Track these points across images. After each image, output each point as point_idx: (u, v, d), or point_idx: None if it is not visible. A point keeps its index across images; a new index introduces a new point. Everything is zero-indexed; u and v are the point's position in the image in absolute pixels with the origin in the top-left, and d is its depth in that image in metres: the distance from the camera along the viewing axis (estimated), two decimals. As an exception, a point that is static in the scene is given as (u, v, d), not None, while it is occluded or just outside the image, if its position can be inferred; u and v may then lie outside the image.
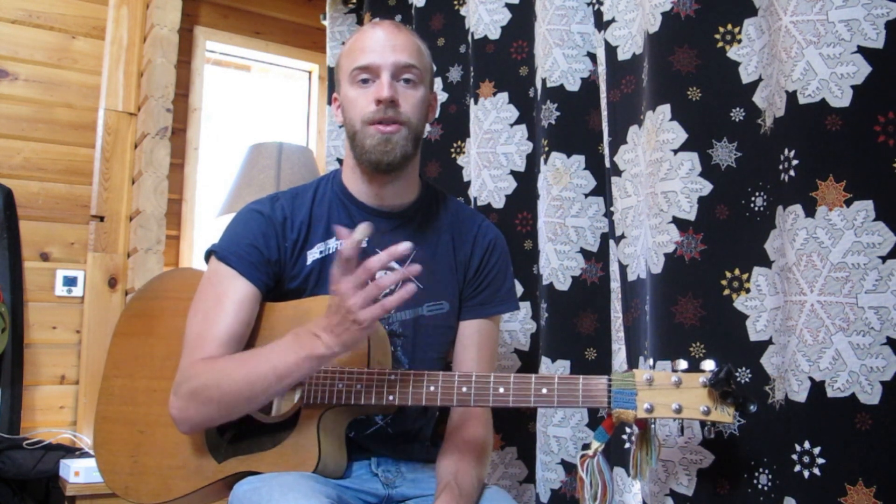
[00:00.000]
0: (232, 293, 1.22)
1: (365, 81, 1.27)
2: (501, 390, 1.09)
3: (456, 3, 1.94)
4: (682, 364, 1.03)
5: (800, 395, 1.02)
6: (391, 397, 1.13)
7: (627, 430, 1.36)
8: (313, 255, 1.29)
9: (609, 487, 1.07)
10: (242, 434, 1.19)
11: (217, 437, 1.21)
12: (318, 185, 1.36)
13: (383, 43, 1.27)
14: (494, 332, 1.39)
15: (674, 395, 1.02)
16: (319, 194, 1.34)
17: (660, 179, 1.23)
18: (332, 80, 2.33)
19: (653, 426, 1.07)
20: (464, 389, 1.10)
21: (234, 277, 1.23)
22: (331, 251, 1.29)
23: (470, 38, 1.78)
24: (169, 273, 1.39)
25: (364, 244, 1.29)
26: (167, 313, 1.32)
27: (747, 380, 1.13)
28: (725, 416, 1.01)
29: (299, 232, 1.29)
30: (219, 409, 1.15)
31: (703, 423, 1.04)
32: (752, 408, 1.00)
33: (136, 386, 1.30)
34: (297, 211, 1.31)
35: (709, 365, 1.02)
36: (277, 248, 1.27)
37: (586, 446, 1.10)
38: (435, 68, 1.64)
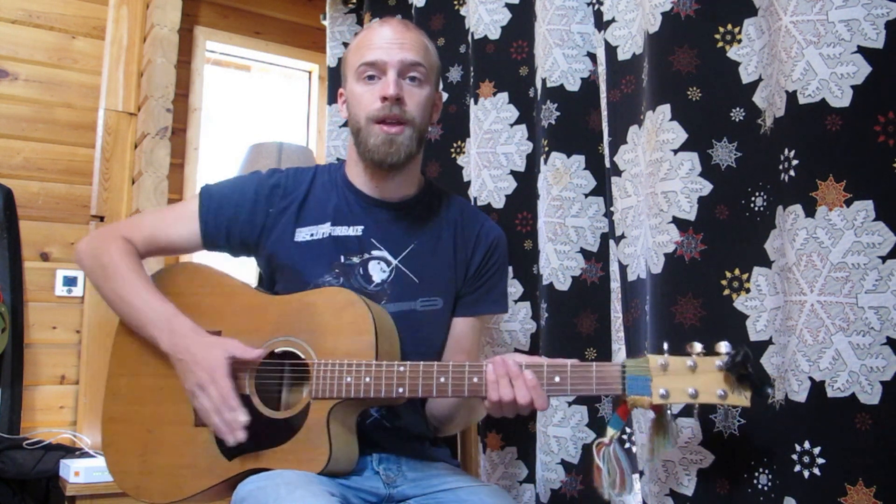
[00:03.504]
0: (183, 224, 1.34)
1: (371, 78, 1.29)
2: None
3: (456, 3, 1.94)
4: (698, 347, 1.02)
5: (800, 395, 1.02)
6: (401, 389, 1.12)
7: (628, 430, 1.37)
8: (302, 234, 1.31)
9: (627, 474, 1.06)
10: (252, 431, 1.19)
11: None
12: (319, 170, 1.40)
13: (391, 40, 1.29)
14: (482, 330, 1.43)
15: (689, 380, 1.01)
16: (319, 178, 1.37)
17: (660, 179, 1.23)
18: (332, 81, 2.33)
19: (668, 411, 1.06)
20: (475, 380, 1.09)
21: (193, 212, 1.33)
22: (322, 235, 1.31)
23: (470, 38, 1.78)
24: (172, 268, 1.37)
25: (359, 232, 1.30)
26: None
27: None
28: (742, 399, 0.99)
29: (290, 204, 1.33)
30: (96, 285, 1.32)
31: (720, 407, 1.02)
32: (769, 390, 0.99)
33: (142, 384, 1.29)
34: (296, 185, 1.35)
35: (724, 348, 1.01)
36: (262, 213, 1.32)
37: (601, 435, 1.09)
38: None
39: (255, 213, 1.32)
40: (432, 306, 1.32)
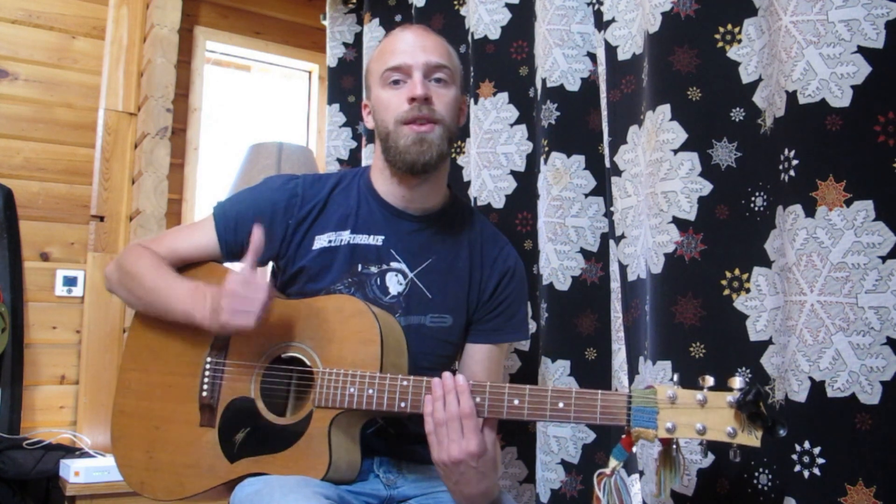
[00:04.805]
0: (199, 239, 1.34)
1: (396, 83, 1.28)
2: (516, 402, 1.05)
3: (456, 3, 1.94)
4: (710, 381, 0.98)
5: (800, 395, 1.02)
6: (403, 404, 1.11)
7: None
8: (321, 241, 1.30)
9: None
10: (255, 435, 1.19)
11: (229, 437, 1.21)
12: (344, 176, 1.38)
13: (413, 44, 1.29)
14: (502, 357, 1.40)
15: (698, 415, 0.96)
16: (343, 184, 1.36)
17: (660, 179, 1.23)
18: (332, 80, 2.33)
19: (674, 445, 1.01)
20: (477, 399, 1.06)
21: (211, 231, 1.33)
22: (343, 242, 1.29)
23: (470, 38, 1.78)
24: (189, 266, 1.37)
25: (379, 242, 1.30)
26: None
27: (748, 379, 1.13)
28: (753, 439, 0.94)
29: (309, 212, 1.31)
30: (127, 296, 1.34)
31: (728, 446, 0.96)
32: (782, 432, 0.93)
33: (152, 380, 1.30)
34: (315, 193, 1.33)
35: (737, 383, 0.96)
36: (282, 225, 1.31)
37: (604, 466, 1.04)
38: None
39: (274, 226, 1.30)
40: (441, 323, 1.31)
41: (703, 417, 0.96)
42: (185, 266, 1.35)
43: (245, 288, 1.14)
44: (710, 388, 0.97)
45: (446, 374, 1.08)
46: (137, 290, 1.30)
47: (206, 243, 1.33)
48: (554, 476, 1.51)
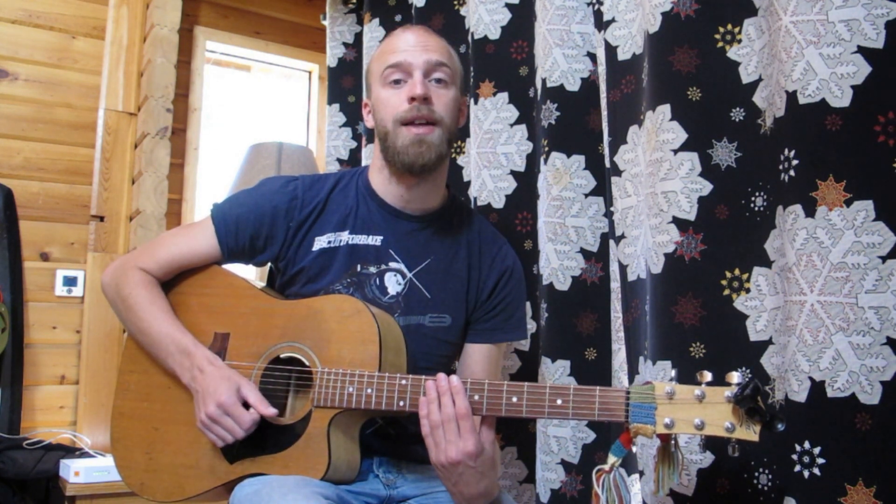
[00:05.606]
0: (198, 243, 1.33)
1: (397, 82, 1.28)
2: (514, 400, 1.05)
3: (456, 3, 1.94)
4: (707, 376, 0.98)
5: (800, 395, 1.02)
6: (401, 403, 1.11)
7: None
8: (321, 242, 1.30)
9: (626, 503, 1.02)
10: (255, 435, 1.19)
11: None
12: (342, 177, 1.38)
13: (414, 43, 1.29)
14: (500, 357, 1.40)
15: (696, 411, 0.97)
16: (342, 184, 1.36)
17: (660, 179, 1.23)
18: (332, 80, 2.33)
19: (672, 441, 1.02)
20: (475, 398, 1.07)
21: (211, 236, 1.32)
22: (342, 243, 1.29)
23: (470, 38, 1.78)
24: (191, 271, 1.37)
25: (378, 242, 1.30)
26: (181, 308, 1.31)
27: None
28: (751, 434, 0.94)
29: (309, 214, 1.31)
30: (120, 319, 1.35)
31: (726, 441, 0.97)
32: (780, 426, 0.94)
33: (151, 381, 1.30)
34: (314, 194, 1.32)
35: (735, 378, 0.96)
36: (282, 227, 1.30)
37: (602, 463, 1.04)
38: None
39: (275, 228, 1.30)
40: (440, 323, 1.31)
41: (701, 413, 0.97)
42: (187, 271, 1.34)
43: (224, 418, 1.16)
44: (708, 384, 0.98)
45: (440, 376, 1.08)
46: (129, 324, 1.31)
47: (207, 248, 1.32)
48: (554, 476, 1.51)
